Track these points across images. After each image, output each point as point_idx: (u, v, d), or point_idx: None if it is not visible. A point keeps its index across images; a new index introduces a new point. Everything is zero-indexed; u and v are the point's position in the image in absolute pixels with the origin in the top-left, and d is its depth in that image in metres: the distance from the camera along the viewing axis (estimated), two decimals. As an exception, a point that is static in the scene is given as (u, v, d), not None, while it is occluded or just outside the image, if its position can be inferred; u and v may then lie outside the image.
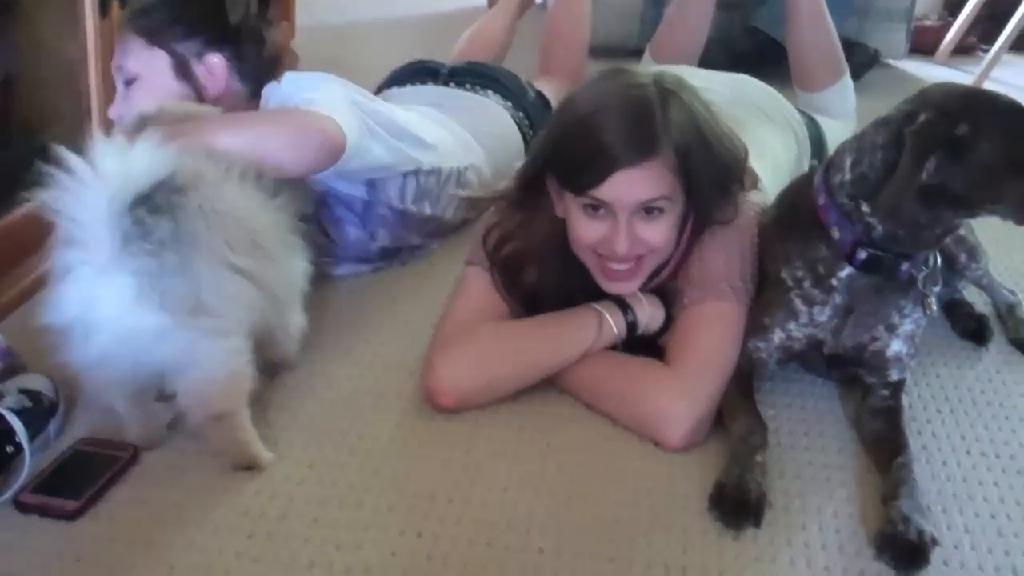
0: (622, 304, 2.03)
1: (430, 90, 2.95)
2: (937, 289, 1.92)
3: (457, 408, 1.97)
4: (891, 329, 1.93)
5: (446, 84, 2.98)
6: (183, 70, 2.22)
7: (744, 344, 1.99)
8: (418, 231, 2.58)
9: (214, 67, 2.30)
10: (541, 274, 2.06)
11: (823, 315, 1.93)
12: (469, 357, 1.98)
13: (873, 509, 1.75)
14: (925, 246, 1.86)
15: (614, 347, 2.04)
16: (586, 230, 1.92)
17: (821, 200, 1.90)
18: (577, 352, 2.00)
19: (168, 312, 1.62)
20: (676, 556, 1.65)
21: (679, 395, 1.89)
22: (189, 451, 1.85)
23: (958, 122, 1.71)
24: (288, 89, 2.15)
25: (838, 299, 1.91)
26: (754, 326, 1.99)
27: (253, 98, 2.31)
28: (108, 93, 2.41)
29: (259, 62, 2.39)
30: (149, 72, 2.15)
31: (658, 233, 1.90)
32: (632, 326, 2.03)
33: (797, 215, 1.98)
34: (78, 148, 1.57)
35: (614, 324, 2.01)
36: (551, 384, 2.03)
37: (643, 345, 2.05)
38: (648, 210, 1.87)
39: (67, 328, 1.64)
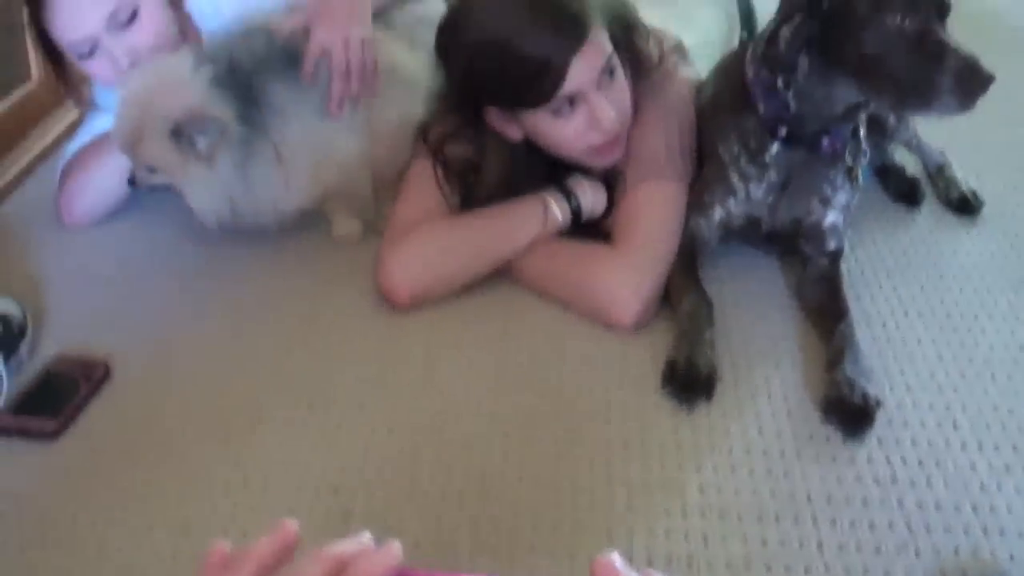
0: (565, 191, 2.06)
1: None
2: (865, 161, 1.96)
3: (411, 304, 2.00)
4: (825, 202, 1.97)
5: None
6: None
7: (687, 222, 2.02)
8: None
9: None
10: (487, 178, 2.09)
11: (759, 192, 1.97)
12: (420, 253, 2.00)
13: (818, 376, 1.80)
14: (831, 120, 1.88)
15: (561, 234, 2.07)
16: (568, 129, 1.93)
17: (750, 73, 1.93)
18: (525, 241, 2.03)
19: None
20: (633, 433, 1.70)
21: (627, 276, 1.92)
22: (161, 365, 1.89)
23: None
24: None
25: (772, 175, 1.95)
26: (696, 204, 2.02)
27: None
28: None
29: None
30: (147, 3, 2.09)
31: (624, 89, 1.94)
32: (577, 212, 2.06)
33: (730, 90, 2.00)
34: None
35: (559, 211, 2.03)
36: (502, 276, 2.06)
37: (589, 230, 2.07)
38: (609, 72, 1.89)
39: None
